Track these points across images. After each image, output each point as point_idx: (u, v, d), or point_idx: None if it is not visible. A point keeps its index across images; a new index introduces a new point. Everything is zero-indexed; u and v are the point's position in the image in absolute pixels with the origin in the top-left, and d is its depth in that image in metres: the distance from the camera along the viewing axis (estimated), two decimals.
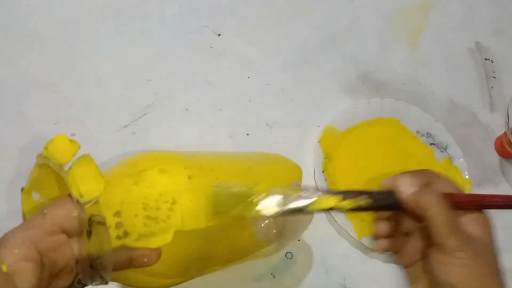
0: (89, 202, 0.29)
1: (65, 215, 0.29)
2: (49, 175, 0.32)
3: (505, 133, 0.55)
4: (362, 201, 0.33)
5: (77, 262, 0.30)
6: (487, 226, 0.33)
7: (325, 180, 0.52)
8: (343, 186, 0.52)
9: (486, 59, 0.63)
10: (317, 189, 0.33)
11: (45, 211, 0.29)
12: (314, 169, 0.52)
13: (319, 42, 0.61)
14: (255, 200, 0.32)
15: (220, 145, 0.54)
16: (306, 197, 0.33)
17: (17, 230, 0.28)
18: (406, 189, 0.32)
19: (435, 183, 0.33)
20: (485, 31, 0.64)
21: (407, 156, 0.55)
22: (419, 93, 0.59)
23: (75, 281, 0.30)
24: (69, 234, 0.29)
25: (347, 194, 0.33)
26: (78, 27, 0.57)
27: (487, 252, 0.31)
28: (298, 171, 0.44)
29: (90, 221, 0.29)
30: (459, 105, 0.60)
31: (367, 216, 0.51)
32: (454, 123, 0.57)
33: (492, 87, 0.61)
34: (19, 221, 0.34)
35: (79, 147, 0.31)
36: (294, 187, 0.34)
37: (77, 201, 0.29)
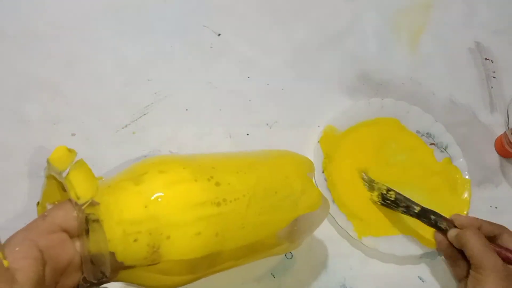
0: (86, 203, 0.30)
1: (64, 215, 0.30)
2: (57, 186, 0.34)
3: (505, 133, 0.55)
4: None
5: (81, 261, 0.31)
6: None
7: (325, 180, 0.52)
8: (343, 186, 0.52)
9: (486, 59, 0.63)
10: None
11: (45, 214, 0.31)
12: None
13: (319, 42, 0.61)
14: None
15: (220, 145, 0.54)
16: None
17: (18, 232, 0.29)
18: (451, 231, 0.46)
19: (483, 227, 0.45)
20: (485, 31, 0.64)
21: (407, 156, 0.55)
22: (419, 93, 0.59)
23: (82, 280, 0.31)
24: (70, 234, 0.31)
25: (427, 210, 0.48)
26: (78, 27, 0.57)
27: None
28: (309, 164, 0.43)
29: (87, 219, 0.30)
30: (459, 105, 0.60)
31: (367, 216, 0.51)
32: (454, 123, 0.57)
33: (492, 87, 0.61)
34: (20, 220, 0.34)
35: (76, 154, 0.33)
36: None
37: (76, 203, 0.30)
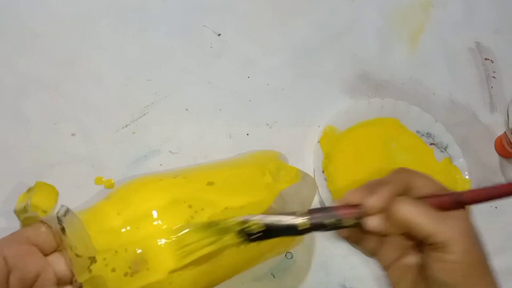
0: (53, 212, 0.31)
1: (34, 230, 0.31)
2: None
3: (505, 133, 0.55)
4: (327, 220, 0.32)
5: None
6: (466, 219, 0.32)
7: (325, 180, 0.52)
8: (343, 186, 0.52)
9: (486, 59, 0.63)
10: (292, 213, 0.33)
11: (18, 229, 0.32)
12: (314, 169, 0.52)
13: (319, 42, 0.61)
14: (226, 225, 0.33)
15: (220, 145, 0.54)
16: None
17: None
18: (373, 220, 0.31)
19: (414, 185, 0.32)
20: (485, 31, 0.64)
21: (407, 156, 0.55)
22: (419, 93, 0.59)
23: None
24: (40, 249, 0.31)
25: (315, 213, 0.32)
26: (78, 26, 0.57)
27: (475, 242, 0.31)
28: (277, 153, 0.45)
29: (58, 218, 0.30)
30: (459, 105, 0.60)
31: None
32: (454, 123, 0.57)
33: (492, 87, 0.61)
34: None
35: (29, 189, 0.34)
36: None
37: (46, 219, 0.31)
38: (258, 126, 0.55)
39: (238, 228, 0.33)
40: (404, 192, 0.32)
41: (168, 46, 0.58)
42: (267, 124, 0.56)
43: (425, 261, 0.31)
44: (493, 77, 0.62)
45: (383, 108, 0.56)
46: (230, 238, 0.33)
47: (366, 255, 0.35)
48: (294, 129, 0.56)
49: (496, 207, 0.54)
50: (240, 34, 0.60)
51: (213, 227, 0.33)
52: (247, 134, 0.55)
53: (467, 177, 0.53)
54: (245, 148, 0.54)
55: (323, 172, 0.52)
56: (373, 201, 0.31)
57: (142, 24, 0.59)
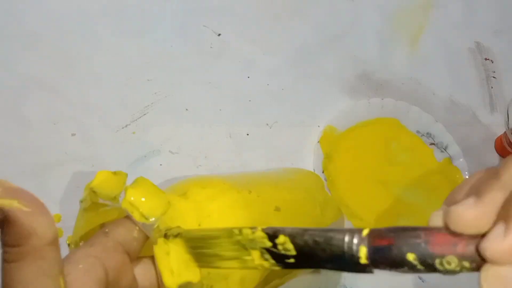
0: (156, 221, 0.27)
1: (126, 234, 0.27)
2: (96, 217, 0.30)
3: (505, 133, 0.55)
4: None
5: None
6: None
7: (325, 180, 0.52)
8: (343, 186, 0.52)
9: (486, 59, 0.63)
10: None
11: (106, 230, 0.26)
12: (314, 169, 0.52)
13: (319, 42, 0.61)
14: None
15: (220, 145, 0.54)
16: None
17: (80, 248, 0.25)
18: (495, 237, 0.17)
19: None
20: (485, 31, 0.64)
21: (407, 156, 0.55)
22: (419, 93, 0.59)
23: None
24: (129, 255, 0.27)
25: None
26: (78, 27, 0.57)
27: None
28: (320, 178, 0.44)
29: (166, 236, 0.26)
30: (459, 105, 0.60)
31: (367, 216, 0.51)
32: (454, 123, 0.57)
33: (492, 87, 0.61)
34: None
35: (126, 175, 0.29)
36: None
37: (143, 225, 0.27)
38: (258, 126, 0.55)
39: (263, 245, 0.23)
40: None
41: (168, 46, 0.58)
42: (267, 124, 0.56)
43: None
44: (493, 77, 0.62)
45: (383, 108, 0.56)
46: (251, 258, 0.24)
47: None
48: (294, 129, 0.56)
49: None
50: (240, 34, 0.60)
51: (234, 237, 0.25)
52: (247, 134, 0.55)
53: (467, 177, 0.53)
54: (245, 148, 0.54)
55: (323, 172, 0.52)
56: (490, 245, 0.17)
57: (142, 24, 0.59)
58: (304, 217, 0.37)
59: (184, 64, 0.57)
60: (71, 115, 0.53)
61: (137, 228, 0.27)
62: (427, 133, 0.56)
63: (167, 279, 0.26)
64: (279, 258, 0.23)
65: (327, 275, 0.49)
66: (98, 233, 0.26)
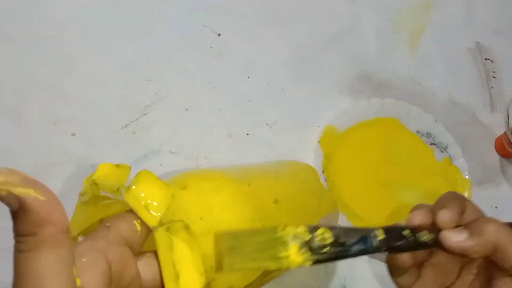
0: (160, 215, 0.26)
1: (128, 228, 0.26)
2: (93, 212, 0.29)
3: (505, 133, 0.55)
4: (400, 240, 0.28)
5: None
6: None
7: (325, 180, 0.52)
8: (343, 186, 0.52)
9: (486, 59, 0.63)
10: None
11: (108, 224, 0.26)
12: None
13: (319, 42, 0.61)
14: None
15: (220, 145, 0.54)
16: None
17: (83, 241, 0.25)
18: (454, 234, 0.28)
19: (467, 209, 0.30)
20: (485, 31, 0.64)
21: (407, 156, 0.55)
22: (419, 93, 0.59)
23: None
24: (131, 250, 0.27)
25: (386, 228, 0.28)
26: (78, 27, 0.57)
27: None
28: (315, 170, 0.43)
29: (169, 229, 0.26)
30: (459, 105, 0.60)
31: (367, 216, 0.51)
32: (454, 123, 0.57)
33: (492, 87, 0.61)
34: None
35: (129, 168, 0.28)
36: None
37: (146, 218, 0.26)
38: (258, 126, 0.55)
39: (303, 239, 0.26)
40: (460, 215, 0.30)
41: (168, 46, 0.58)
42: (267, 124, 0.56)
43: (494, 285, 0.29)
44: (493, 77, 0.62)
45: (383, 108, 0.56)
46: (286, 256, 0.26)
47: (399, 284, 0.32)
48: (294, 129, 0.56)
49: (496, 207, 0.54)
50: (240, 34, 0.60)
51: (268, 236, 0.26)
52: (247, 134, 0.55)
53: (467, 177, 0.53)
54: (245, 148, 0.54)
55: (323, 172, 0.52)
56: (446, 214, 0.28)
57: (142, 24, 0.59)
58: (302, 208, 0.37)
59: (184, 64, 0.57)
60: (71, 115, 0.53)
61: (140, 221, 0.26)
62: (427, 133, 0.56)
63: (168, 280, 0.26)
64: (315, 249, 0.26)
65: (327, 275, 0.49)
66: (100, 227, 0.26)
